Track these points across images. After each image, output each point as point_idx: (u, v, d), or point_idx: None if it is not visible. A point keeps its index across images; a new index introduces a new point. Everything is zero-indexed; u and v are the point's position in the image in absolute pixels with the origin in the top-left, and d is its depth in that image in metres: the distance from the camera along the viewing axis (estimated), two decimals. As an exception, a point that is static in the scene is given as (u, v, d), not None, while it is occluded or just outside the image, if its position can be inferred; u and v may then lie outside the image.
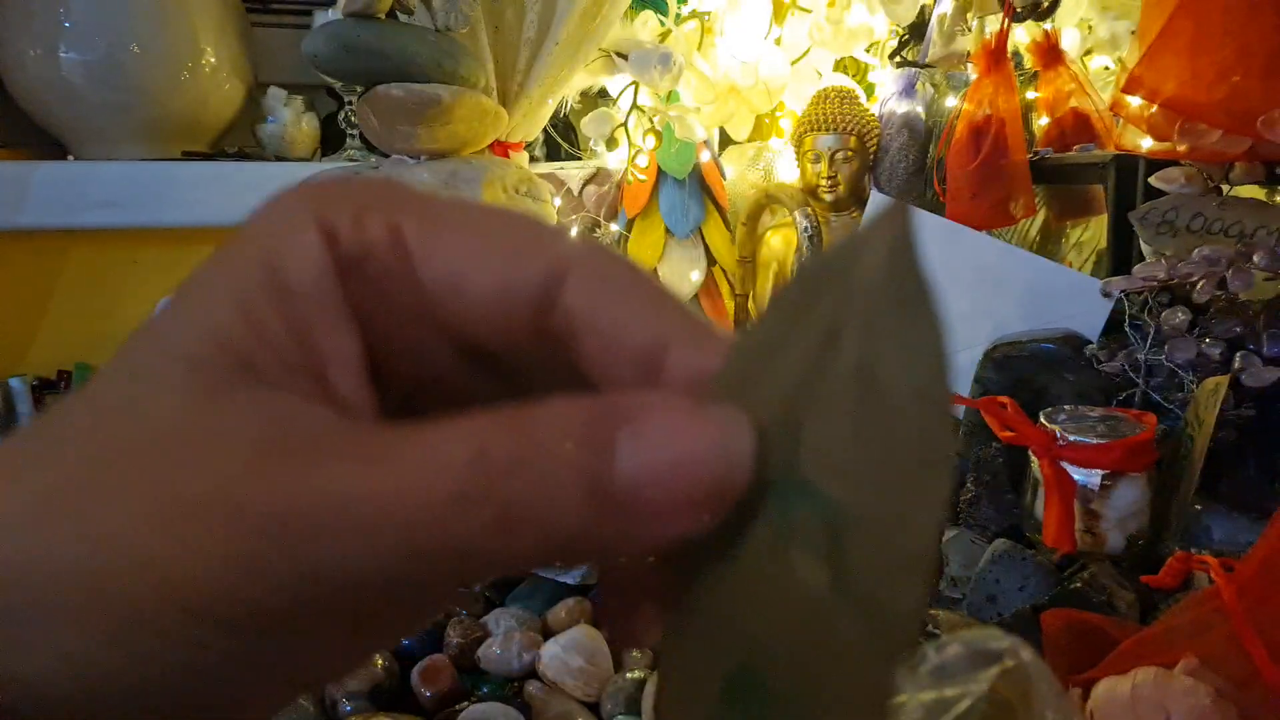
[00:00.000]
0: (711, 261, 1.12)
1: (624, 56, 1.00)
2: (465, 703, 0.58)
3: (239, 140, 1.12)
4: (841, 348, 0.12)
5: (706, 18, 1.08)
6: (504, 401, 0.15)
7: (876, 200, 0.93)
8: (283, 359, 0.13)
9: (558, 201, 1.06)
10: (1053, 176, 0.96)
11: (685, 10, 1.08)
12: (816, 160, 1.05)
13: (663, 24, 1.05)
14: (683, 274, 1.10)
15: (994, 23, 0.96)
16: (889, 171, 1.08)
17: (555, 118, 1.12)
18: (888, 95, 1.09)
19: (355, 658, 0.16)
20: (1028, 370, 0.76)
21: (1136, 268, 0.74)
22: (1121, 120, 0.82)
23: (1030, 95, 1.03)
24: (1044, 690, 0.25)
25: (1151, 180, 0.79)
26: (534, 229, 0.15)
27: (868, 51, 1.14)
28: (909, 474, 0.11)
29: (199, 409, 0.12)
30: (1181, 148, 0.75)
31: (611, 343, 0.14)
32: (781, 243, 1.10)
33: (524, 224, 0.15)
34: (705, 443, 0.12)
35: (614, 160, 1.12)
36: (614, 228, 1.13)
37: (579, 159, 1.17)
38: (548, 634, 0.63)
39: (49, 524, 0.12)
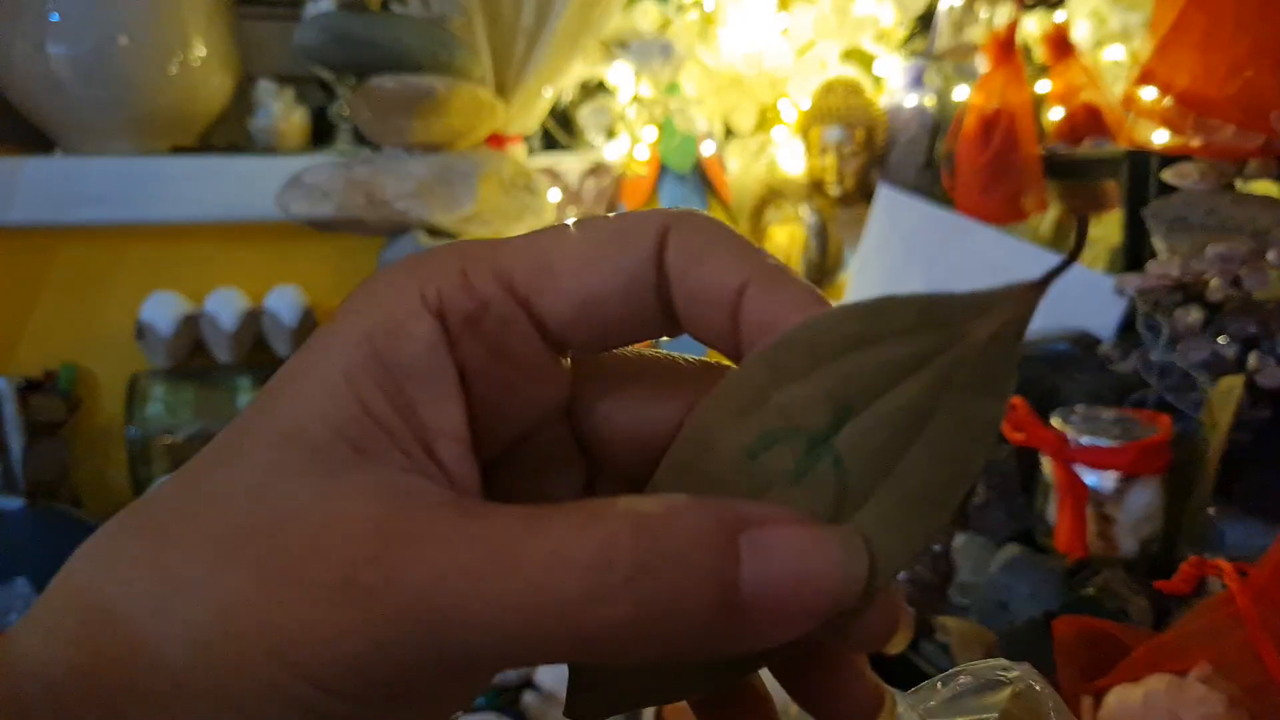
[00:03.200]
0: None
1: (624, 46, 0.98)
2: (460, 712, 0.57)
3: (228, 134, 1.10)
4: (920, 379, 0.13)
5: (709, 6, 1.06)
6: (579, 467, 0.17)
7: (884, 194, 0.91)
8: (393, 437, 0.14)
9: (555, 195, 1.04)
10: (1065, 171, 0.95)
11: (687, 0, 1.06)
12: (823, 153, 1.04)
13: (663, 13, 1.03)
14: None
15: (1004, 13, 0.94)
16: (898, 164, 1.06)
17: (553, 110, 1.10)
18: (895, 87, 1.08)
19: None
20: (1039, 370, 0.75)
21: (1150, 265, 0.73)
22: (1134, 114, 0.81)
23: (1041, 88, 1.01)
24: (1055, 721, 0.24)
25: (1164, 176, 0.78)
26: (625, 217, 0.16)
27: (874, 42, 1.12)
28: (913, 511, 0.13)
29: (318, 493, 0.14)
30: (1195, 143, 0.73)
31: (698, 289, 0.15)
32: (786, 238, 1.09)
33: (615, 218, 0.16)
34: (827, 563, 0.13)
35: (613, 153, 1.10)
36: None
37: (577, 151, 1.15)
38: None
39: (186, 613, 0.13)
